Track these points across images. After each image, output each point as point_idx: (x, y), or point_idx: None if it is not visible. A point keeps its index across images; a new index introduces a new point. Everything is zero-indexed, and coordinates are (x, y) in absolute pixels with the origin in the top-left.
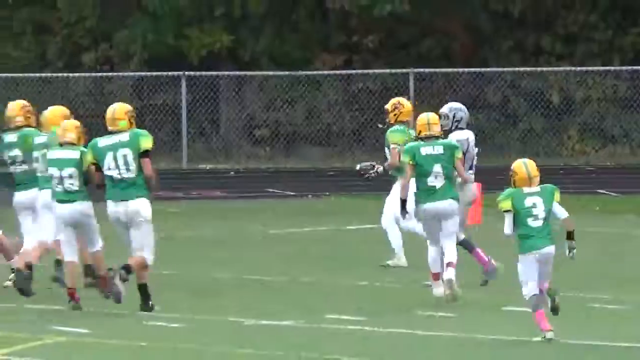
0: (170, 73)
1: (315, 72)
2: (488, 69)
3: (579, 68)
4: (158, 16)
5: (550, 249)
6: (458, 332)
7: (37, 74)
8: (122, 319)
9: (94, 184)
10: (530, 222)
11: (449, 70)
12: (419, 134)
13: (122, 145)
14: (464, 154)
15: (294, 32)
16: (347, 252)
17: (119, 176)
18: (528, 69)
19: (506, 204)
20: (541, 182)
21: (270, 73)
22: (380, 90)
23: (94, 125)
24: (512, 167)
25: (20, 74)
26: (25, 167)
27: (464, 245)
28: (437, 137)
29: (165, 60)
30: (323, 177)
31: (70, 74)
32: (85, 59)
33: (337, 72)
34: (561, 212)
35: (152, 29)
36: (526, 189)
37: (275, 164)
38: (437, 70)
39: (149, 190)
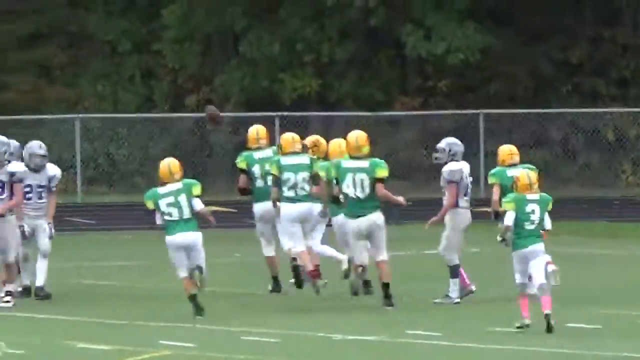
0: (264, 113)
1: (394, 113)
2: (550, 110)
3: (631, 109)
4: (254, 63)
5: (539, 246)
6: (523, 346)
7: (146, 115)
8: (222, 334)
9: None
10: (527, 225)
11: (515, 111)
12: (502, 163)
13: (361, 171)
14: (458, 183)
15: (375, 76)
16: (423, 273)
17: (354, 196)
18: (586, 109)
19: (510, 206)
20: (597, 211)
21: (354, 114)
22: (453, 129)
23: (196, 157)
24: (517, 175)
25: (133, 115)
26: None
27: (452, 270)
28: (516, 164)
29: (260, 102)
30: (401, 207)
31: (175, 114)
32: (188, 101)
33: (414, 113)
34: (547, 223)
35: (249, 74)
36: (528, 196)
37: None
38: (504, 111)
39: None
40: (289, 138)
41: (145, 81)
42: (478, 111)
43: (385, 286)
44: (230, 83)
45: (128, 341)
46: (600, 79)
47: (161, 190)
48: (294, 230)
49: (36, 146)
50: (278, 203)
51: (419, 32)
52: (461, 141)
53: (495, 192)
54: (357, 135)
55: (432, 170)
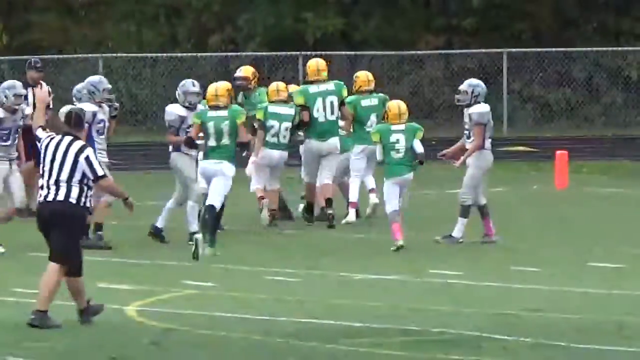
0: (288, 53)
1: (418, 52)
2: (573, 49)
3: None
4: (278, 1)
5: (409, 175)
6: (547, 285)
7: (171, 54)
8: (243, 274)
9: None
10: (393, 154)
11: (539, 50)
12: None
13: (329, 94)
14: (485, 125)
15: (399, 15)
16: (447, 214)
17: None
18: (609, 48)
19: (375, 137)
20: (621, 151)
21: (379, 53)
22: (477, 68)
23: None
24: (387, 105)
25: (157, 54)
26: None
27: (463, 210)
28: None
29: (283, 41)
30: (426, 146)
31: (199, 54)
32: (212, 41)
33: (438, 52)
34: (418, 148)
35: (272, 13)
36: (394, 127)
37: None
38: (528, 50)
39: None
40: (274, 87)
41: (169, 20)
42: (502, 50)
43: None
44: (254, 22)
45: (150, 281)
46: (624, 17)
47: (210, 113)
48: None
49: (189, 84)
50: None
51: None
52: (485, 81)
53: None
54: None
55: (455, 110)
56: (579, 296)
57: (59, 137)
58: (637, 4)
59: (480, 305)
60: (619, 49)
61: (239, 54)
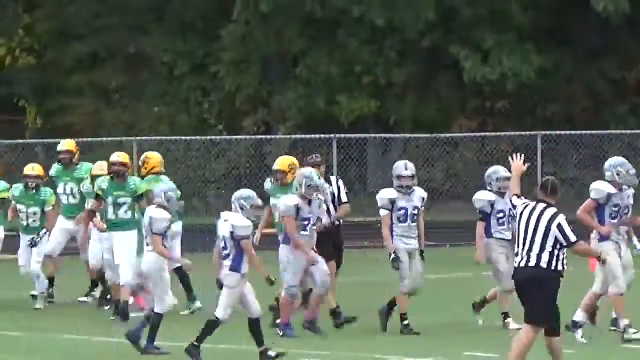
0: (322, 136)
1: (453, 135)
2: (607, 132)
3: None
4: (312, 84)
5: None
6: None
7: (204, 137)
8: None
9: None
10: None
11: (573, 132)
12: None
13: None
14: None
15: (434, 98)
16: (482, 295)
17: None
18: None
19: None
20: None
21: (413, 135)
22: (511, 150)
23: (253, 180)
24: None
25: (190, 137)
26: None
27: None
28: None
29: (317, 124)
30: (461, 229)
31: (234, 137)
32: (245, 123)
33: (473, 134)
34: None
35: (306, 96)
36: None
37: None
38: (562, 132)
39: None
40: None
41: (203, 103)
42: (536, 132)
43: None
44: (288, 104)
45: None
46: None
47: None
48: None
49: (402, 167)
50: None
51: (476, 57)
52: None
53: None
54: None
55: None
56: None
57: (533, 204)
58: None
59: None
60: None
61: (273, 137)
